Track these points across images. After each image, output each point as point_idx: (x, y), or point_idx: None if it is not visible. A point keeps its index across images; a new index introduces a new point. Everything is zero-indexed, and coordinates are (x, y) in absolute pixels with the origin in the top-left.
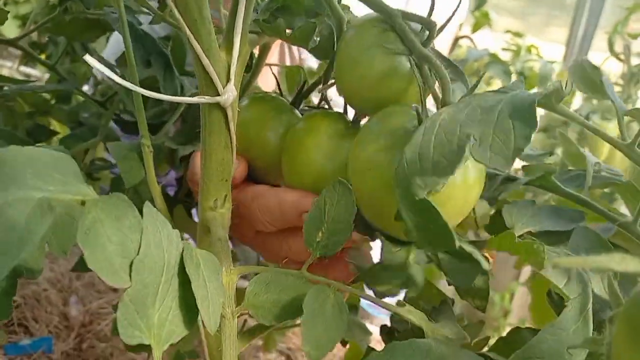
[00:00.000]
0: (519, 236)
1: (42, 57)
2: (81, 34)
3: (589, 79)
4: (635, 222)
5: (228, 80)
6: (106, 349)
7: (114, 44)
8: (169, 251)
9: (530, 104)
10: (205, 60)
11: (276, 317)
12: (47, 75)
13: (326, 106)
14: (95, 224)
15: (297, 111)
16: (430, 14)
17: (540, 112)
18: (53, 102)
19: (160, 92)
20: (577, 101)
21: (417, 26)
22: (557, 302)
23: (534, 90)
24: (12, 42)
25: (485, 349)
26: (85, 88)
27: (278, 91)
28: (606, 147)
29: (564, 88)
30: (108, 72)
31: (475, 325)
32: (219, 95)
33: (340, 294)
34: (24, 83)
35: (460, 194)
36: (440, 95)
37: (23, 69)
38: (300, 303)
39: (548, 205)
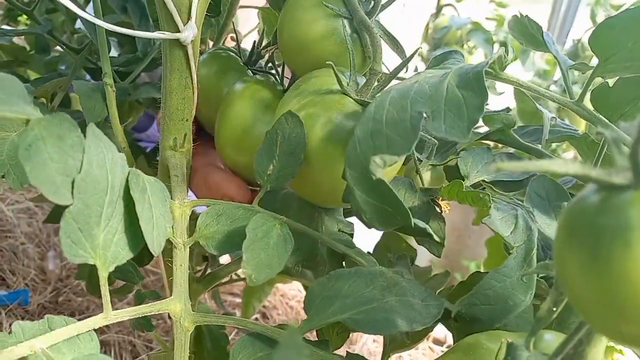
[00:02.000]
0: (474, 184)
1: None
2: None
3: (530, 34)
4: None
5: (189, 17)
6: (82, 302)
7: None
8: (112, 172)
9: (478, 74)
10: None
11: (226, 247)
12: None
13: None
14: (37, 141)
15: (248, 71)
16: None
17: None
18: (32, 53)
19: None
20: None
21: None
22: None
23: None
24: None
25: None
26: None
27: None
28: (581, 122)
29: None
30: (72, 6)
31: (441, 276)
32: (179, 32)
33: (286, 226)
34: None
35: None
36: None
37: (4, 27)
38: None
39: (504, 153)
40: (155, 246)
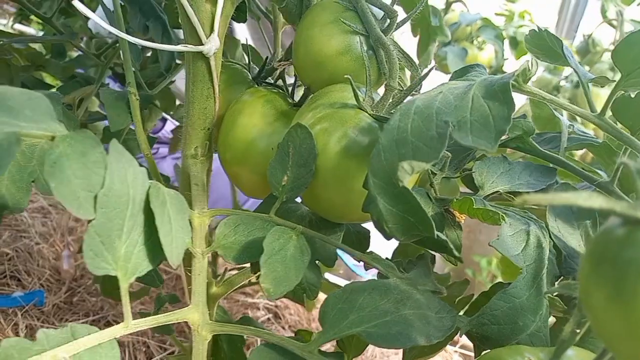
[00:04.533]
0: (490, 195)
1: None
2: None
3: (548, 47)
4: (612, 182)
5: (212, 30)
6: (97, 303)
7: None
8: (134, 187)
9: (504, 85)
10: (190, 10)
11: (243, 258)
12: (41, 33)
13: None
14: (61, 158)
15: (254, 84)
16: (393, 3)
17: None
18: (48, 56)
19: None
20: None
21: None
22: None
23: (526, 57)
24: None
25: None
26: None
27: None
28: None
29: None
30: (96, 19)
31: (460, 284)
32: (202, 45)
33: (303, 238)
34: (19, 36)
35: None
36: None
37: (17, 26)
38: None
39: (521, 162)
40: (174, 258)
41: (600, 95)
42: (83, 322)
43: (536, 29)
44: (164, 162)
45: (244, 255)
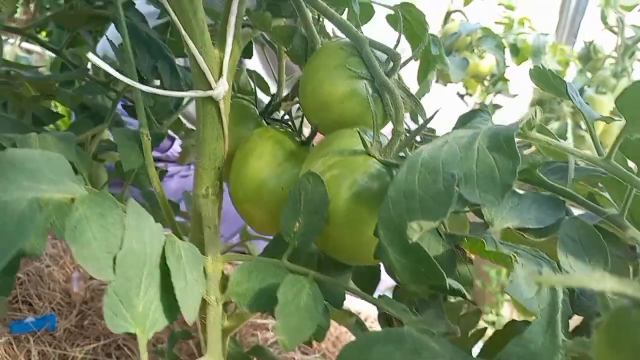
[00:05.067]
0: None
1: (44, 34)
2: (85, 24)
3: (553, 85)
4: (622, 214)
5: (220, 75)
6: (107, 326)
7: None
8: (150, 245)
9: (509, 137)
10: (199, 57)
11: (257, 306)
12: (49, 52)
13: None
14: (81, 222)
15: (262, 121)
16: (396, 46)
17: (533, 84)
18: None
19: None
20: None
21: (384, 56)
22: None
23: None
24: (21, 31)
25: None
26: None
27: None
28: (601, 122)
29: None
30: (110, 70)
31: (472, 315)
32: (211, 89)
33: (315, 285)
34: (30, 67)
35: None
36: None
37: (25, 45)
38: None
39: (529, 195)
40: (190, 315)
41: (604, 104)
42: (94, 347)
43: (540, 66)
44: (171, 181)
45: (257, 303)
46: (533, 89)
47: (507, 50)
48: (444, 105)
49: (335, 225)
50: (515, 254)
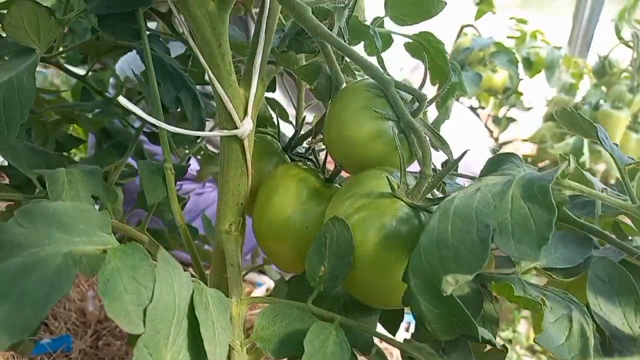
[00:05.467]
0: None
1: (60, 48)
2: (108, 52)
3: (581, 126)
4: None
5: (245, 114)
6: (122, 347)
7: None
8: (179, 295)
9: (544, 188)
10: (225, 98)
11: (283, 352)
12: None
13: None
14: (113, 274)
15: (285, 156)
16: (421, 86)
17: (547, 97)
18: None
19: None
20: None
21: (409, 96)
22: None
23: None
24: (48, 60)
25: None
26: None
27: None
28: (620, 132)
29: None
30: (139, 112)
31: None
32: (237, 128)
33: (341, 331)
34: (53, 91)
35: None
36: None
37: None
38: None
39: (555, 232)
40: None
41: (621, 119)
42: None
43: (568, 109)
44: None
45: (283, 348)
46: (547, 101)
47: (519, 63)
48: (456, 119)
49: (362, 269)
50: (544, 297)
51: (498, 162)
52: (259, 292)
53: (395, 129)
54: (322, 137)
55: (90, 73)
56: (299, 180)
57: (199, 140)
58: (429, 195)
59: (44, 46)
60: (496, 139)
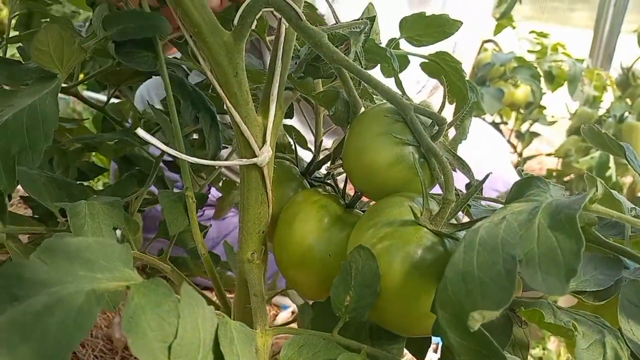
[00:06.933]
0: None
1: (81, 76)
2: (128, 79)
3: (608, 145)
4: None
5: (264, 142)
6: None
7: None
8: (204, 329)
9: (571, 218)
10: (244, 127)
11: None
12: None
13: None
14: (137, 311)
15: (304, 181)
16: (441, 110)
17: (571, 109)
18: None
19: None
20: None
21: (428, 120)
22: None
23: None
24: (66, 90)
25: None
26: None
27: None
28: (637, 140)
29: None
30: (159, 144)
31: None
32: (256, 156)
33: None
34: (73, 120)
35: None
36: None
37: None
38: None
39: (585, 254)
40: None
41: None
42: None
43: (594, 128)
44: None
45: None
46: (570, 115)
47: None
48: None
49: (389, 299)
50: (575, 322)
51: (523, 186)
52: (284, 314)
53: (415, 154)
54: (340, 162)
55: (110, 101)
56: (319, 207)
57: (217, 167)
58: (453, 220)
59: (65, 71)
60: (520, 154)
